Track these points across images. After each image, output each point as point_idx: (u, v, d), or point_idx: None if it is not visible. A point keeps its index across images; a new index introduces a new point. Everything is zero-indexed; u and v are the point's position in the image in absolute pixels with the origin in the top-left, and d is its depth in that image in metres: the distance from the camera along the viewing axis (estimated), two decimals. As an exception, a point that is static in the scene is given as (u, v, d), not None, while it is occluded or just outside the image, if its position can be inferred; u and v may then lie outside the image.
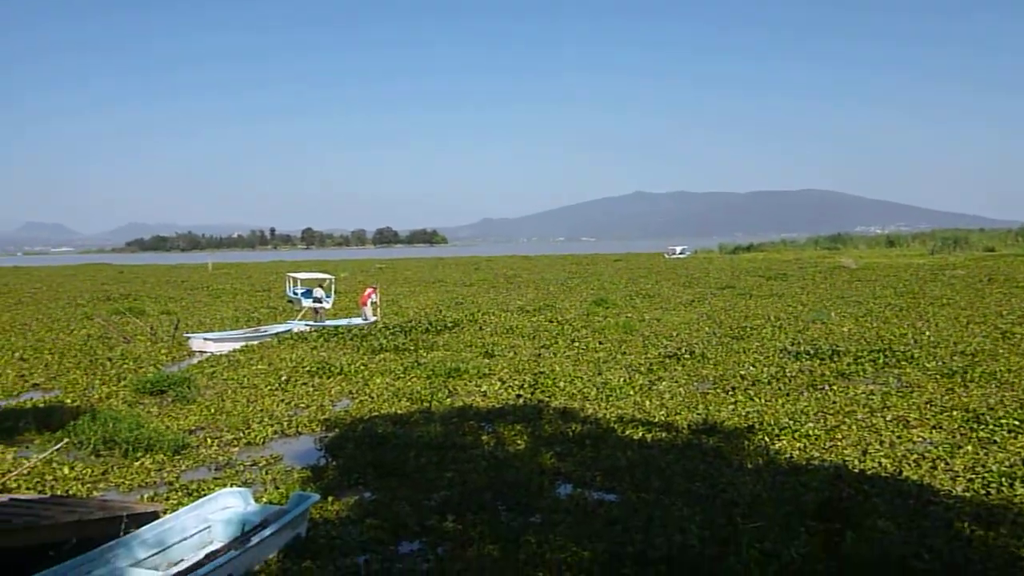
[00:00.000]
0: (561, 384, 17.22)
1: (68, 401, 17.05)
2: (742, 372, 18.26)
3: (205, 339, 25.44)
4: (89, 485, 11.40)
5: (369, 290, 33.60)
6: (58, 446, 12.55)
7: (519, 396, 16.46)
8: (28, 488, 11.16)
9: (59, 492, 10.96)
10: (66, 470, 12.02)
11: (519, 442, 12.96)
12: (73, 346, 25.60)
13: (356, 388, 17.78)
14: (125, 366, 21.46)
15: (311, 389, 17.83)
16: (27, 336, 28.79)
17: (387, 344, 23.44)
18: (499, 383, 17.76)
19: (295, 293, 42.50)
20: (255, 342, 25.34)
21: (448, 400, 16.28)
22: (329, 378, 18.95)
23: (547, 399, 16.05)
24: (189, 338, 25.81)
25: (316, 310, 33.67)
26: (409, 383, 18.05)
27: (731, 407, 15.02)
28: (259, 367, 20.58)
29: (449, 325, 27.78)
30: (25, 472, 11.68)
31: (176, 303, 42.97)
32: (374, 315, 31.69)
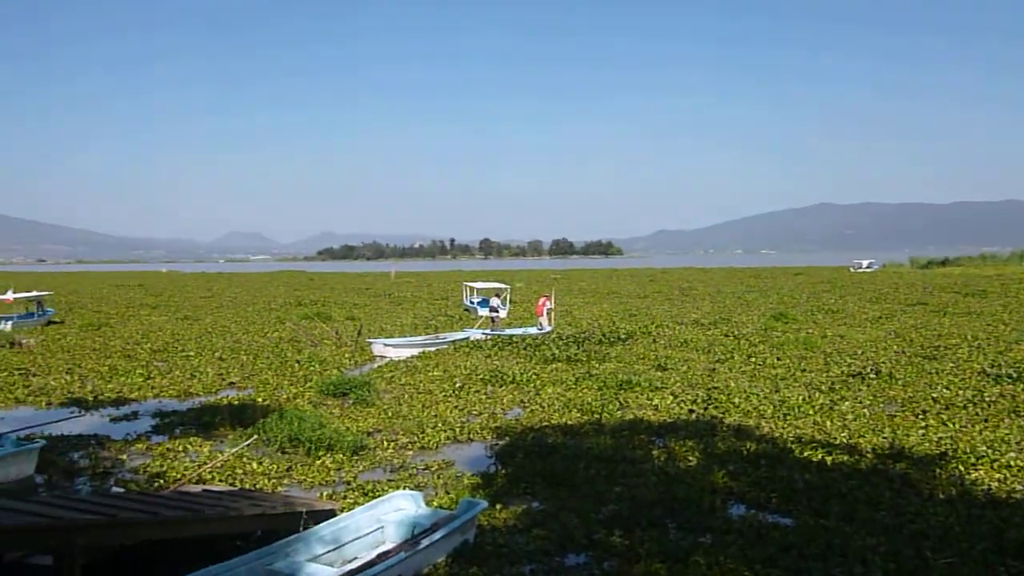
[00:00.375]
0: (736, 400, 16.69)
1: (259, 400, 18.09)
2: (934, 394, 17.08)
3: (385, 344, 26.39)
4: (274, 480, 12.01)
5: (543, 299, 33.89)
6: (248, 442, 13.33)
7: (692, 411, 16.08)
8: (220, 480, 11.88)
9: (247, 485, 11.61)
10: (254, 465, 12.72)
11: (691, 458, 12.63)
12: (266, 348, 27.19)
13: (528, 397, 17.92)
14: (311, 368, 22.55)
15: (484, 397, 18.11)
16: (226, 337, 30.85)
17: (559, 354, 23.51)
18: (671, 397, 17.43)
19: (471, 302, 43.59)
20: (432, 349, 26.04)
21: (619, 412, 16.11)
22: (502, 386, 19.19)
23: (721, 415, 15.59)
24: (371, 343, 26.87)
25: (492, 319, 34.31)
26: (580, 394, 18.01)
27: (921, 432, 14.06)
28: (435, 373, 21.12)
29: (622, 337, 27.57)
30: (219, 465, 12.45)
31: (360, 309, 44.89)
32: (549, 324, 31.90)
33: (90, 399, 18.75)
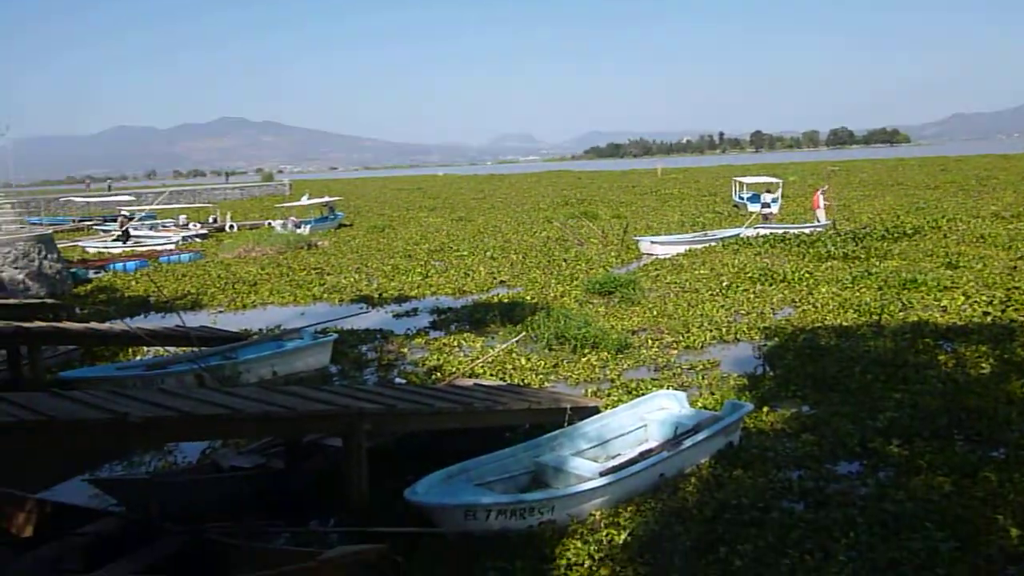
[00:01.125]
0: (1042, 302, 14.96)
1: (528, 298, 18.65)
2: None
3: (653, 242, 26.26)
4: (541, 376, 12.38)
5: (819, 192, 32.14)
6: (517, 338, 13.82)
7: (986, 313, 14.59)
8: (491, 375, 12.43)
9: (517, 380, 12.06)
10: (523, 361, 13.18)
11: (983, 365, 11.52)
12: (534, 247, 27.93)
13: (799, 296, 17.12)
14: (578, 267, 22.91)
15: (752, 296, 17.53)
16: (497, 237, 32.02)
17: (835, 252, 22.19)
18: (963, 298, 15.91)
19: (741, 198, 42.14)
20: (701, 246, 25.53)
21: (901, 314, 14.96)
22: (771, 285, 18.47)
23: (1022, 319, 14.05)
24: (638, 241, 26.84)
25: (765, 215, 33.04)
26: (857, 293, 16.93)
27: None
28: (701, 272, 20.70)
29: (908, 232, 25.50)
30: (489, 360, 13.03)
31: (626, 207, 44.80)
32: (826, 219, 30.24)
33: (376, 296, 20.25)
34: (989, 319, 14.20)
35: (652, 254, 25.13)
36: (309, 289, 21.64)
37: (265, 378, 12.89)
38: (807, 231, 27.29)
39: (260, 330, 16.49)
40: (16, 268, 22.80)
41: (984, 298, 15.72)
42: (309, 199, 46.77)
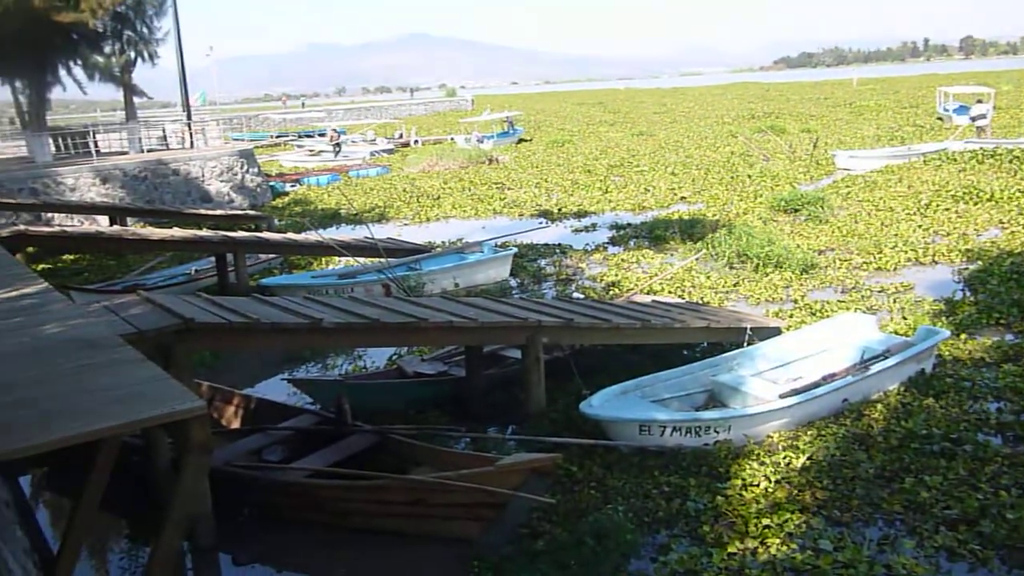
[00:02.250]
0: None
1: (709, 214, 18.23)
2: None
3: (851, 156, 24.99)
4: (721, 295, 12.14)
5: None
6: (696, 255, 13.58)
7: None
8: (669, 292, 12.31)
9: (695, 299, 11.89)
10: (702, 278, 12.96)
11: None
12: (717, 162, 27.12)
13: (1008, 217, 15.83)
14: (762, 183, 22.10)
15: (953, 216, 16.37)
16: (678, 152, 31.28)
17: (1053, 168, 20.29)
18: None
19: (946, 109, 39.06)
20: (901, 161, 23.99)
21: None
22: (976, 204, 17.16)
23: None
24: (834, 155, 25.64)
25: (978, 128, 30.58)
26: (1077, 214, 15.49)
27: None
28: (897, 189, 19.49)
29: None
30: (668, 277, 12.90)
31: (817, 121, 42.55)
32: None
33: (555, 211, 20.36)
34: None
35: (849, 169, 23.91)
36: (490, 203, 22.00)
37: (448, 289, 13.33)
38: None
39: (443, 242, 16.98)
40: (222, 181, 24.43)
41: None
42: (490, 114, 47.20)
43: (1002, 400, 7.79)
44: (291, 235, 16.68)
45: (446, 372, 9.09)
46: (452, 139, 41.91)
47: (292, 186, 28.64)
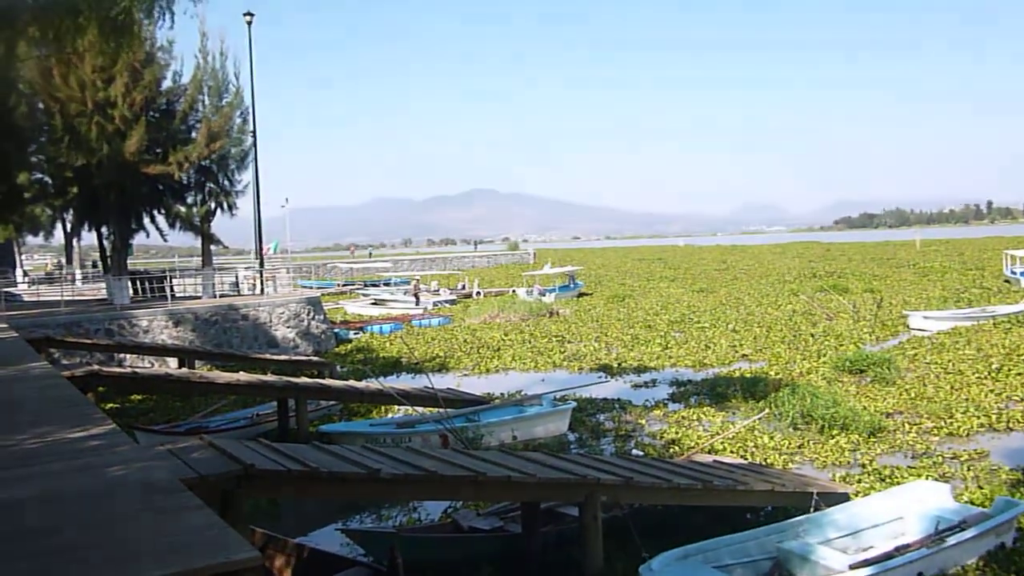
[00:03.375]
0: None
1: (771, 373, 17.99)
2: None
3: (925, 317, 24.70)
4: (785, 456, 11.83)
5: None
6: (760, 415, 13.31)
7: None
8: (731, 451, 12.03)
9: (758, 459, 11.60)
10: (765, 439, 12.67)
11: None
12: (779, 320, 26.97)
13: (1085, 384, 15.32)
14: (826, 343, 21.83)
15: (1027, 381, 15.91)
16: (739, 309, 31.23)
17: None
18: None
19: (1013, 272, 38.63)
20: (971, 323, 23.62)
21: None
22: (1050, 370, 16.68)
23: None
24: (907, 316, 25.49)
25: None
26: None
27: None
28: (966, 352, 19.08)
29: None
30: (730, 436, 12.64)
31: (880, 281, 42.34)
32: None
33: (614, 365, 20.29)
34: None
35: (923, 330, 23.64)
36: (550, 356, 22.05)
37: (505, 442, 13.22)
38: None
39: (502, 394, 16.98)
40: (288, 327, 25.01)
41: None
42: (551, 268, 47.96)
43: (1091, 580, 7.33)
44: (352, 382, 16.86)
45: (502, 528, 8.91)
46: (514, 291, 42.55)
47: (356, 333, 29.16)
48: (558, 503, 9.06)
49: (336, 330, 28.52)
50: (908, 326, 24.51)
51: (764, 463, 11.33)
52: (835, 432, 12.75)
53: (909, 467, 11.07)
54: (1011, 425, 13.00)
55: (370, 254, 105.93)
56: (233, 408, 16.26)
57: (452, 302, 40.64)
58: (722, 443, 12.36)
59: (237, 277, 31.22)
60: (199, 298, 27.24)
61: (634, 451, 12.51)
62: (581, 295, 42.03)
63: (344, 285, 55.97)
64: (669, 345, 22.94)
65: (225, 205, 29.58)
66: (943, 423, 13.18)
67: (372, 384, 16.19)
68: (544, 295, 38.80)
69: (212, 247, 31.46)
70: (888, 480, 10.31)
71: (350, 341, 27.63)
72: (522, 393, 16.83)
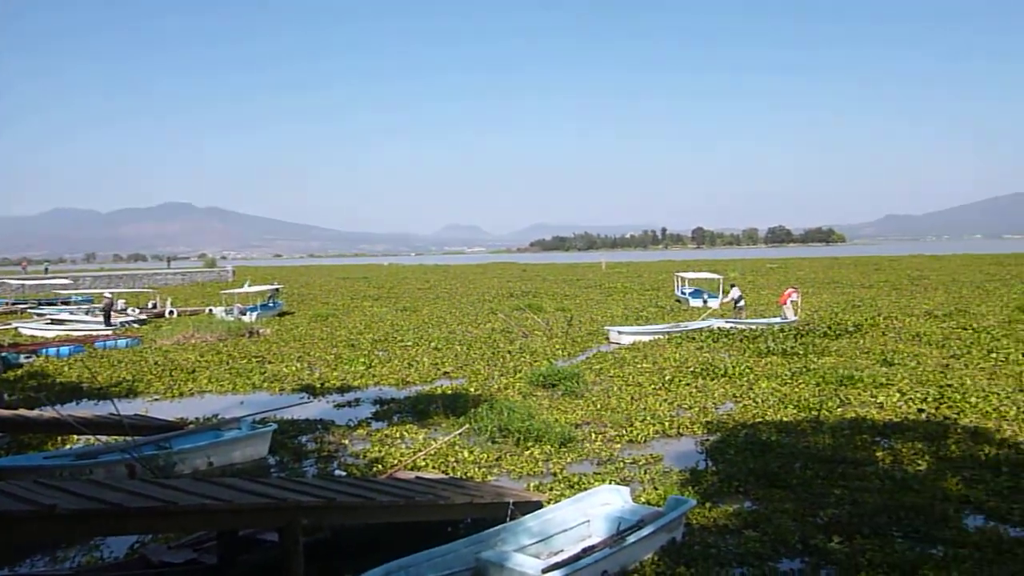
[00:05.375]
0: (973, 400, 15.33)
1: (471, 389, 18.55)
2: None
3: (621, 332, 27.12)
4: (484, 469, 12.23)
5: (790, 290, 33.18)
6: (460, 431, 13.66)
7: (921, 410, 14.91)
8: (433, 467, 12.25)
9: (459, 473, 11.90)
10: (466, 453, 13.03)
11: (920, 462, 11.71)
12: (479, 338, 27.91)
13: (740, 392, 17.31)
14: (522, 359, 22.90)
15: (694, 390, 17.67)
16: (441, 328, 31.95)
17: (775, 347, 22.59)
18: (898, 395, 16.25)
19: (683, 292, 42.91)
20: (650, 338, 26.15)
21: (839, 410, 15.22)
22: (713, 380, 18.67)
23: (955, 416, 14.37)
24: (608, 331, 27.87)
25: (737, 308, 34.00)
26: (797, 389, 17.19)
27: None
28: (644, 365, 20.86)
29: (850, 329, 26.11)
30: (432, 452, 12.86)
31: (571, 300, 45.20)
32: (794, 315, 30.97)
33: (317, 386, 19.96)
34: (923, 416, 14.50)
35: (620, 343, 25.88)
36: (249, 377, 21.25)
37: (201, 469, 12.53)
38: (776, 323, 28.57)
39: (197, 419, 16.11)
40: (-57, 351, 22.06)
41: (919, 395, 16.07)
42: (250, 286, 46.32)
43: (745, 565, 8.24)
44: (23, 411, 15.15)
45: (196, 560, 8.41)
46: (211, 311, 40.60)
47: (27, 357, 26.32)
48: (257, 530, 8.72)
49: (3, 354, 25.55)
50: (608, 339, 26.93)
51: (464, 477, 11.65)
52: (530, 444, 13.40)
53: (595, 473, 11.88)
54: (681, 431, 14.35)
55: (46, 270, 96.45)
56: None
57: (142, 322, 37.97)
58: (424, 459, 12.55)
59: None
60: None
61: (337, 471, 12.36)
62: (283, 314, 40.96)
63: (14, 304, 50.48)
64: (373, 364, 22.95)
65: None
66: (624, 431, 14.27)
67: (46, 412, 14.68)
68: (244, 314, 37.38)
69: None
70: (577, 486, 10.99)
71: (21, 366, 24.88)
72: (219, 417, 16.05)
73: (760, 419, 14.73)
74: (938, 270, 69.06)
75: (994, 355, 20.65)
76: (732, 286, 36.82)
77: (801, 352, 21.92)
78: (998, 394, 15.81)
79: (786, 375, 18.63)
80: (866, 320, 28.66)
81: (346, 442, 14.33)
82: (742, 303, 34.64)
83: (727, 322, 29.11)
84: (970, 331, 25.42)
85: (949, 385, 16.88)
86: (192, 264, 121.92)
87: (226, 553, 7.93)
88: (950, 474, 10.98)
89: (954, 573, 7.77)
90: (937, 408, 14.97)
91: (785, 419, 14.66)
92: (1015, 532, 9.01)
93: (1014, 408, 14.65)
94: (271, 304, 41.90)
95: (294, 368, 22.62)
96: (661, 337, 26.25)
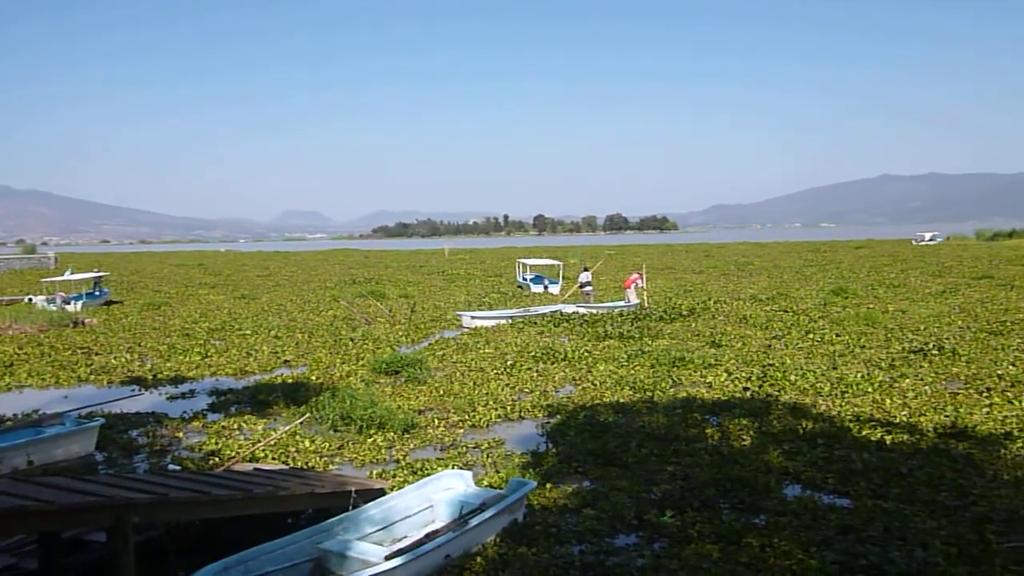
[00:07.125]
0: (792, 378, 16.37)
1: (313, 378, 18.24)
2: (999, 371, 16.58)
3: (473, 317, 27.34)
4: (326, 459, 12.08)
5: (635, 275, 34.03)
6: (300, 420, 13.42)
7: (746, 389, 15.79)
8: (273, 458, 11.99)
9: (300, 464, 11.69)
10: (307, 443, 12.83)
11: (745, 437, 12.40)
12: (321, 326, 27.44)
13: (580, 375, 17.79)
14: (365, 346, 22.69)
15: (535, 374, 18.02)
16: (282, 316, 31.22)
17: (612, 331, 23.32)
18: (725, 374, 17.15)
19: (524, 278, 43.58)
20: (500, 322, 26.69)
21: (672, 390, 15.91)
22: (553, 363, 19.09)
23: (776, 393, 15.30)
24: (460, 315, 28.17)
25: (585, 293, 34.84)
26: (633, 371, 17.83)
27: (985, 410, 13.61)
28: (486, 351, 21.09)
29: (683, 314, 27.28)
30: (272, 443, 12.58)
31: (414, 287, 45.08)
32: (637, 299, 31.93)
33: (149, 377, 19.10)
34: (748, 394, 15.36)
35: (472, 327, 26.15)
36: (74, 370, 20.09)
37: (20, 468, 11.76)
38: (620, 307, 29.70)
39: (14, 415, 15.10)
40: None
41: (744, 375, 17.01)
42: (73, 273, 43.71)
43: (584, 542, 8.50)
44: None
45: (15, 565, 7.91)
46: (30, 299, 38.10)
47: None
48: (83, 530, 8.28)
49: None
50: (461, 324, 27.17)
51: (305, 467, 11.46)
52: (373, 431, 13.32)
53: (438, 459, 11.95)
54: (522, 414, 14.61)
55: None
56: None
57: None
58: (263, 450, 12.25)
59: None
60: None
61: (171, 466, 11.88)
62: (110, 303, 38.87)
63: None
64: (209, 353, 22.17)
65: None
66: (467, 416, 14.41)
67: None
68: (68, 303, 35.25)
69: None
70: (420, 472, 11.02)
71: None
72: (40, 412, 15.10)
73: (598, 401, 15.19)
74: (762, 256, 73.12)
75: (811, 335, 22.09)
76: (585, 269, 37.83)
77: (637, 336, 22.73)
78: (814, 372, 16.93)
79: (623, 358, 19.27)
80: (698, 304, 30.04)
81: (180, 435, 13.81)
82: (589, 288, 35.53)
83: (576, 306, 29.98)
84: (790, 313, 27.08)
85: (771, 364, 17.92)
86: (9, 250, 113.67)
87: (47, 557, 7.50)
88: (772, 448, 11.70)
89: (775, 539, 8.28)
90: (760, 386, 15.89)
91: (622, 400, 15.18)
92: (828, 499, 9.71)
93: (828, 385, 15.73)
94: (97, 292, 39.68)
95: (124, 359, 21.55)
96: (515, 321, 26.79)
